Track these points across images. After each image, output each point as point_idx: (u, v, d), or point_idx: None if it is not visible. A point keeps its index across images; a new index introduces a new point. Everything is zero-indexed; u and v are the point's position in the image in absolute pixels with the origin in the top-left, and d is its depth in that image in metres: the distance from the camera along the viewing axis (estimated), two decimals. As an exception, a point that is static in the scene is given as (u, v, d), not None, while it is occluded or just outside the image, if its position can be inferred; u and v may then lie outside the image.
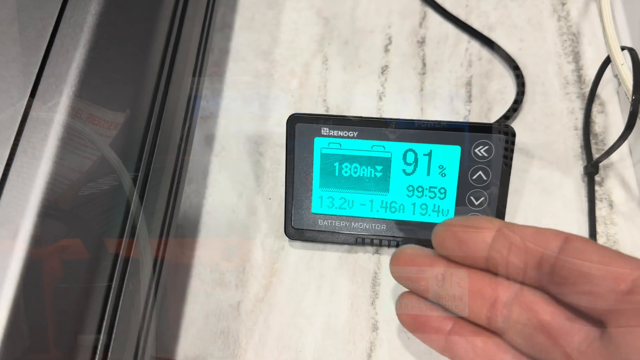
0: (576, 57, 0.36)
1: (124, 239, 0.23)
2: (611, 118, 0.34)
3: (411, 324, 0.24)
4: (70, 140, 0.22)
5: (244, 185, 0.34)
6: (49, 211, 0.21)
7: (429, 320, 0.23)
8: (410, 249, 0.24)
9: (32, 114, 0.22)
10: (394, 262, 0.24)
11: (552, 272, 0.19)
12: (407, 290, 0.24)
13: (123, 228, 0.23)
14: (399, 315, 0.24)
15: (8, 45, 0.24)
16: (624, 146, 0.33)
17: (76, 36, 0.24)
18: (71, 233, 0.21)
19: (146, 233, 0.25)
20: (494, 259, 0.21)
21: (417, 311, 0.24)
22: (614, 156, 0.33)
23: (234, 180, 0.34)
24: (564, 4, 0.38)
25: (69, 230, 0.21)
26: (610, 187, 0.32)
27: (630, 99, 0.27)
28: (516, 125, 0.34)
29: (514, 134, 0.28)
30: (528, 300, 0.21)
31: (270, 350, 0.30)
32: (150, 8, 0.27)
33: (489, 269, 0.22)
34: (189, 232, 0.33)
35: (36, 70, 0.23)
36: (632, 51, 0.28)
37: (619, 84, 0.35)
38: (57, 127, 0.22)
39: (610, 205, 0.32)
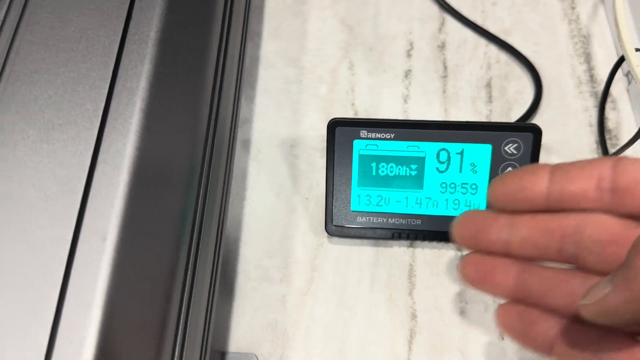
0: (587, 58, 0.38)
1: (193, 237, 0.25)
2: (623, 114, 0.36)
3: (477, 275, 0.24)
4: (146, 147, 0.24)
5: (281, 186, 0.36)
6: (131, 212, 0.23)
7: (495, 267, 0.24)
8: (471, 211, 0.25)
9: (109, 125, 0.24)
10: (457, 226, 0.25)
11: (613, 187, 0.21)
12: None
13: (192, 229, 0.25)
14: (463, 270, 0.24)
15: (77, 62, 0.26)
16: (637, 141, 0.36)
17: (142, 52, 0.26)
18: (150, 234, 0.23)
19: (209, 231, 0.27)
20: (555, 192, 0.22)
21: (483, 263, 0.24)
22: (628, 150, 0.35)
23: (272, 182, 0.36)
24: (573, 8, 0.40)
25: (149, 231, 0.23)
26: (625, 179, 0.35)
27: (645, 98, 0.30)
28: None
29: (540, 132, 0.30)
30: (596, 219, 0.22)
31: (317, 340, 0.32)
32: (204, 21, 0.28)
33: (550, 208, 0.22)
34: (233, 231, 0.35)
35: (107, 85, 0.25)
36: (645, 53, 0.31)
37: (629, 82, 0.37)
38: (133, 136, 0.24)
39: (626, 196, 0.34)
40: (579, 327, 0.22)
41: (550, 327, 0.23)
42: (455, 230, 0.25)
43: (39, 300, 0.21)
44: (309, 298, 0.33)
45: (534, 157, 0.30)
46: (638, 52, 0.31)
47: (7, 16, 0.27)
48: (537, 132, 0.30)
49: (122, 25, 0.26)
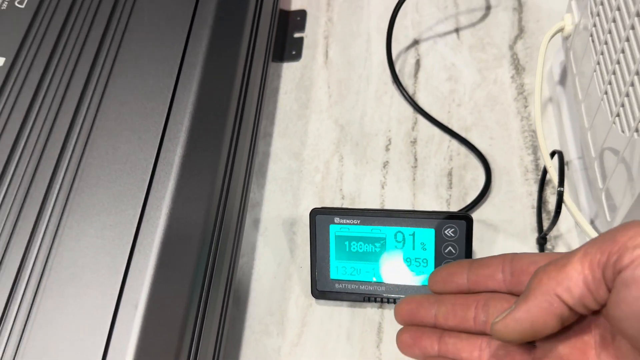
0: (534, 149, 0.47)
1: (201, 299, 0.35)
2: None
3: (410, 341, 0.31)
4: (166, 246, 0.34)
5: (282, 257, 0.45)
6: (155, 288, 0.33)
7: (424, 333, 0.31)
8: (409, 295, 0.33)
9: (143, 226, 0.35)
10: (398, 306, 0.32)
11: (512, 271, 0.29)
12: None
13: (201, 293, 0.35)
14: (399, 338, 0.31)
15: (124, 178, 0.36)
16: (570, 220, 0.43)
17: (168, 171, 0.36)
18: (168, 305, 0.33)
19: (216, 295, 0.37)
20: (473, 276, 0.30)
21: (415, 331, 0.31)
22: (563, 228, 0.43)
23: (275, 254, 0.46)
24: (526, 107, 0.49)
25: (167, 301, 0.33)
26: (559, 252, 0.42)
27: (556, 192, 0.38)
28: (485, 206, 0.45)
29: (471, 220, 0.39)
30: (500, 295, 0.29)
31: (303, 382, 0.40)
32: (217, 137, 0.39)
33: (470, 290, 0.31)
34: (243, 294, 0.44)
35: (143, 195, 0.36)
36: (560, 154, 0.39)
37: (567, 169, 0.45)
38: (157, 240, 0.34)
39: (559, 267, 0.42)
40: None
41: None
42: (396, 309, 0.32)
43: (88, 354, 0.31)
44: (299, 349, 0.42)
45: (468, 239, 0.39)
46: (554, 156, 0.39)
47: (77, 140, 0.38)
48: (469, 220, 0.39)
49: (156, 150, 0.37)
